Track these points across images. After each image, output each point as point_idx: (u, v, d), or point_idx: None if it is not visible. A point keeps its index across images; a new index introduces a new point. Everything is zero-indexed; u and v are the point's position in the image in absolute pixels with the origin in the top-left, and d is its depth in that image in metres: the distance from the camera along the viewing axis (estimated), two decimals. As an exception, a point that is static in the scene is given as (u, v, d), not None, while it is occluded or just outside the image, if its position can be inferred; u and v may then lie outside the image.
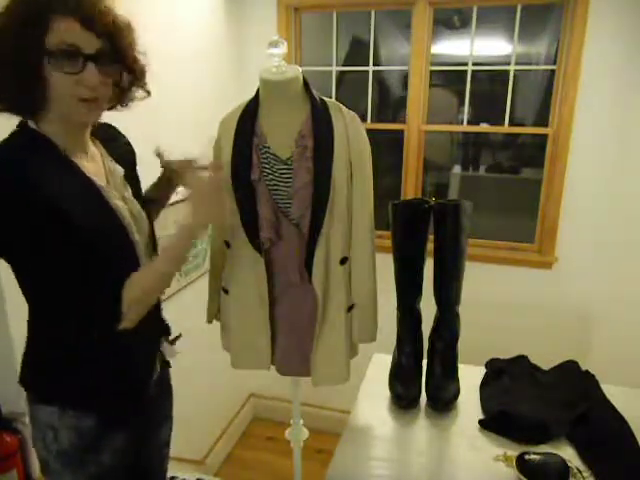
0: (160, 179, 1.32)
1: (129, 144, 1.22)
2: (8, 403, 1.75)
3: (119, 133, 1.21)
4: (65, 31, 0.88)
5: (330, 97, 1.36)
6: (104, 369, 1.07)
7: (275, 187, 1.30)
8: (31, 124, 0.96)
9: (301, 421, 1.68)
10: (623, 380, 1.57)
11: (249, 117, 1.31)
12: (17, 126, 0.97)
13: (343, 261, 1.35)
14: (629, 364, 2.39)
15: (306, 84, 1.31)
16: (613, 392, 1.44)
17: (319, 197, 1.26)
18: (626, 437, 1.27)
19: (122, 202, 1.06)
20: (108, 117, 1.11)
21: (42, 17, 0.86)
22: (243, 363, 1.44)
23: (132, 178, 1.15)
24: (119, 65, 0.98)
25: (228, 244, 1.38)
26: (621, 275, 2.39)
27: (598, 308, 2.44)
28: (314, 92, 1.31)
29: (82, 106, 0.93)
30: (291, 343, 1.41)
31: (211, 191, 1.04)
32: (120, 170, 1.10)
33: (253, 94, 1.33)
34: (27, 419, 1.74)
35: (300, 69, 1.31)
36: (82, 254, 0.97)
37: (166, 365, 1.28)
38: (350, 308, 1.40)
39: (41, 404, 1.08)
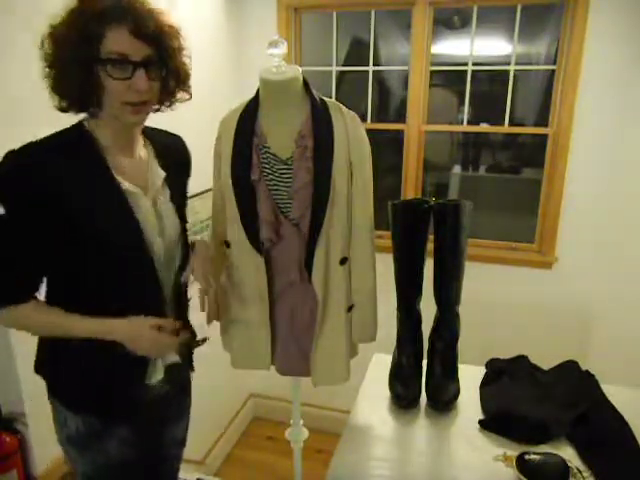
0: None
1: (186, 157, 1.31)
2: (8, 403, 1.75)
3: (182, 144, 1.30)
4: (116, 40, 0.94)
5: (330, 97, 1.36)
6: (92, 370, 1.11)
7: (275, 187, 1.30)
8: (85, 123, 1.05)
9: (301, 421, 1.68)
10: (623, 380, 1.57)
11: (249, 117, 1.31)
12: (75, 124, 1.06)
13: (343, 261, 1.35)
14: (629, 364, 2.39)
15: (306, 84, 1.31)
16: (613, 392, 1.44)
17: (319, 197, 1.26)
18: (626, 437, 1.27)
19: (151, 204, 1.11)
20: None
21: (97, 28, 0.93)
22: (243, 363, 1.44)
23: (177, 186, 1.21)
24: (166, 69, 1.04)
25: (228, 244, 1.38)
26: (621, 275, 2.39)
27: (598, 308, 2.44)
28: (314, 92, 1.31)
29: (129, 109, 1.00)
30: (291, 343, 1.41)
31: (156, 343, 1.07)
32: (161, 174, 1.16)
33: (253, 94, 1.33)
34: (27, 419, 1.75)
35: (300, 69, 1.31)
36: (93, 255, 1.03)
37: (178, 366, 1.26)
38: (350, 308, 1.40)
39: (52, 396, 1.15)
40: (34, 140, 1.00)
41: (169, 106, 1.15)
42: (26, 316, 1.04)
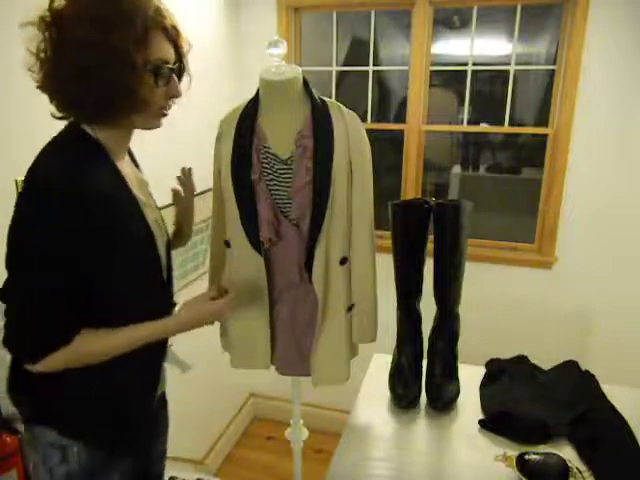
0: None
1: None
2: (8, 403, 1.75)
3: None
4: (159, 45, 0.91)
5: (330, 97, 1.36)
6: (106, 387, 1.02)
7: (275, 187, 1.30)
8: (87, 128, 0.94)
9: (301, 421, 1.68)
10: (623, 380, 1.57)
11: (249, 117, 1.31)
12: (67, 126, 0.96)
13: (343, 261, 1.35)
14: (629, 364, 2.39)
15: (306, 84, 1.31)
16: (613, 392, 1.44)
17: (319, 197, 1.26)
18: (626, 437, 1.27)
19: (159, 214, 1.10)
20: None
21: (143, 32, 0.87)
22: (243, 363, 1.44)
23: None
24: (179, 73, 1.01)
25: (228, 244, 1.38)
26: (621, 275, 2.39)
27: (598, 308, 2.44)
28: (314, 92, 1.31)
29: (159, 115, 0.99)
30: (291, 343, 1.41)
31: (220, 312, 1.09)
32: (146, 180, 1.13)
33: (253, 94, 1.33)
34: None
35: (300, 69, 1.31)
36: (117, 269, 0.97)
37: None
38: (350, 308, 1.40)
39: (42, 425, 1.02)
40: (48, 152, 0.91)
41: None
42: (79, 350, 0.93)
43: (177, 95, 0.97)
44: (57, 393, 1.00)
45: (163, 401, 1.29)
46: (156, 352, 1.11)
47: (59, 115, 0.94)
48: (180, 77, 1.01)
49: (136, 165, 1.16)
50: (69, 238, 0.87)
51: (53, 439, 1.00)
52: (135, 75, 0.88)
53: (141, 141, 1.16)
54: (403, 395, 1.42)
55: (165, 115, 1.01)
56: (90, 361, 0.95)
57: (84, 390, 1.00)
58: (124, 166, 1.03)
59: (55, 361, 0.91)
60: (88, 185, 0.88)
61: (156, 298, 1.09)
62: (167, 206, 1.35)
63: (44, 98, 0.92)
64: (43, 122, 0.96)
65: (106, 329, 0.96)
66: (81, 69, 0.85)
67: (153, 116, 0.98)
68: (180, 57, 1.00)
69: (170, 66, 0.95)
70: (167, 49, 0.94)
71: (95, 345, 0.95)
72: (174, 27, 0.95)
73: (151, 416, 1.19)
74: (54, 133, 0.95)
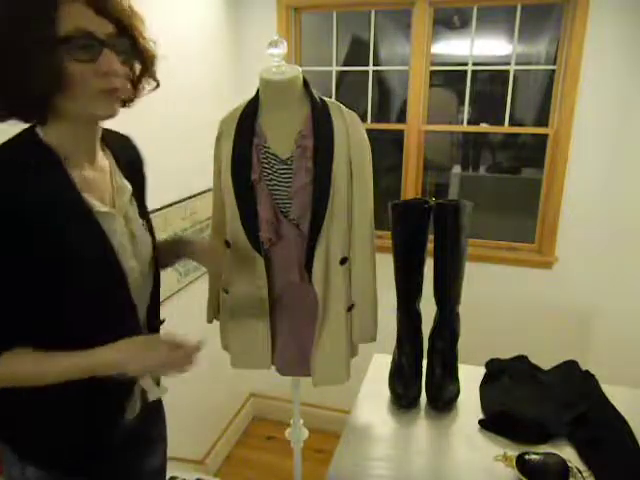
0: (169, 245, 1.24)
1: (141, 161, 1.14)
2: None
3: (133, 147, 1.13)
4: (77, 17, 0.79)
5: (330, 97, 1.36)
6: (69, 413, 0.97)
7: (275, 187, 1.30)
8: (39, 132, 0.88)
9: (301, 421, 1.68)
10: (623, 380, 1.57)
11: (249, 117, 1.31)
12: (21, 131, 0.89)
13: (343, 261, 1.35)
14: (629, 364, 2.39)
15: (306, 84, 1.31)
16: (613, 392, 1.44)
17: (319, 197, 1.26)
18: (626, 437, 1.27)
19: (123, 222, 0.97)
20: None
21: (50, 4, 0.78)
22: (243, 363, 1.44)
23: (139, 198, 1.06)
24: (131, 51, 0.89)
25: (228, 244, 1.38)
26: (621, 275, 2.39)
27: (598, 308, 2.44)
28: (314, 92, 1.31)
29: (103, 98, 0.84)
30: (291, 343, 1.41)
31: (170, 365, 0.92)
32: (128, 187, 1.02)
33: (253, 94, 1.33)
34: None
35: (300, 69, 1.31)
36: (67, 288, 0.89)
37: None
38: (350, 308, 1.40)
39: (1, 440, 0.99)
40: None
41: (135, 98, 0.99)
42: (5, 369, 0.87)
43: (108, 71, 0.82)
44: (7, 411, 0.97)
45: (152, 418, 1.20)
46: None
47: None
48: (123, 53, 0.87)
49: (135, 178, 1.06)
50: None
51: (9, 455, 0.98)
52: (44, 52, 0.77)
53: (141, 141, 1.17)
54: (403, 395, 1.42)
55: (115, 98, 0.87)
56: (19, 383, 0.89)
57: (33, 412, 0.96)
58: (88, 171, 0.93)
59: None
60: (17, 198, 0.81)
61: (118, 320, 0.97)
62: (158, 209, 1.34)
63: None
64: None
65: (40, 353, 0.87)
66: None
67: (90, 99, 0.83)
68: (127, 32, 0.87)
69: (98, 37, 0.81)
70: (90, 19, 0.80)
71: (22, 367, 0.87)
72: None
73: (131, 437, 1.09)
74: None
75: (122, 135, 1.11)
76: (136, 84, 0.96)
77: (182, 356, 0.90)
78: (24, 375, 0.88)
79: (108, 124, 1.02)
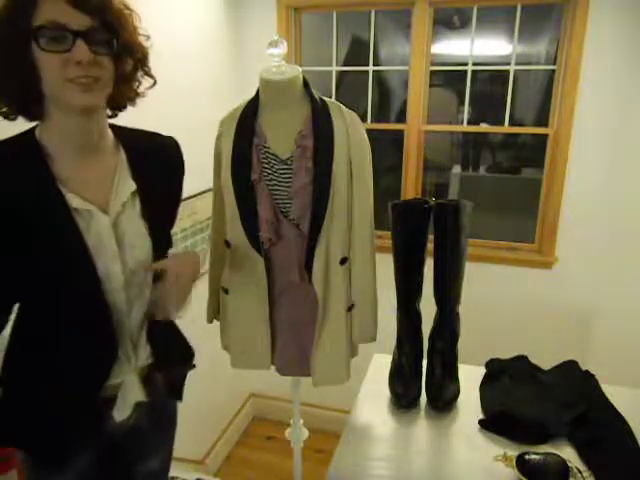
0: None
1: (173, 165, 1.13)
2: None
3: (167, 149, 1.12)
4: (51, 10, 0.82)
5: (330, 97, 1.36)
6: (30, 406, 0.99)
7: (275, 187, 1.30)
8: (36, 131, 0.92)
9: (301, 421, 1.68)
10: (623, 380, 1.57)
11: (249, 117, 1.31)
12: (21, 132, 0.94)
13: (343, 261, 1.35)
14: (629, 364, 2.39)
15: (306, 84, 1.31)
16: (613, 392, 1.44)
17: (319, 197, 1.26)
18: (626, 437, 1.27)
19: (110, 224, 0.96)
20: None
21: (29, 1, 0.83)
22: (243, 363, 1.44)
23: (156, 196, 1.04)
24: (117, 44, 0.90)
25: (228, 244, 1.38)
26: (621, 275, 2.39)
27: (598, 308, 2.44)
28: (314, 92, 1.31)
29: (72, 88, 0.85)
30: (291, 343, 1.41)
31: None
32: (129, 186, 1.00)
33: (253, 94, 1.33)
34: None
35: (300, 69, 1.31)
36: (32, 281, 0.92)
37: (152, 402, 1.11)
38: (350, 308, 1.40)
39: None
40: None
41: (129, 95, 1.00)
42: None
43: (80, 61, 0.83)
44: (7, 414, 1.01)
45: (160, 423, 1.20)
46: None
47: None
48: (101, 45, 0.87)
49: (144, 174, 1.03)
50: None
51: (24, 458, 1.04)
52: (15, 45, 0.83)
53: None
54: (403, 395, 1.42)
55: (91, 88, 0.87)
56: None
57: (12, 398, 1.00)
58: (82, 169, 0.95)
59: None
60: None
61: (88, 321, 0.96)
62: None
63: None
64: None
65: None
66: None
67: (64, 87, 0.85)
68: (111, 26, 0.88)
69: (72, 29, 0.83)
70: (66, 12, 0.83)
71: None
72: None
73: (128, 438, 1.09)
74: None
75: (155, 135, 1.11)
76: (129, 79, 0.97)
77: None
78: None
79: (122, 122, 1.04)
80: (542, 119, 2.52)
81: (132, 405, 1.05)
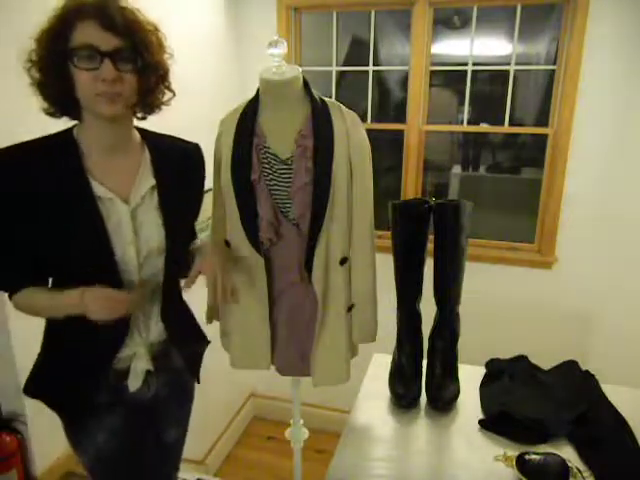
0: None
1: (192, 168, 1.24)
2: (8, 403, 1.76)
3: (191, 152, 1.26)
4: (83, 33, 0.97)
5: (330, 97, 1.36)
6: (55, 365, 1.17)
7: (275, 187, 1.30)
8: (74, 129, 1.08)
9: (301, 421, 1.68)
10: (623, 380, 1.57)
11: (249, 117, 1.31)
12: (64, 129, 1.09)
13: (343, 261, 1.35)
14: (629, 364, 2.39)
15: (306, 84, 1.31)
16: (613, 392, 1.44)
17: (319, 197, 1.26)
18: (626, 437, 1.27)
19: (129, 212, 1.09)
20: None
21: (68, 24, 0.98)
22: (243, 363, 1.44)
23: (173, 193, 1.17)
24: (142, 62, 1.02)
25: (228, 244, 1.38)
26: (621, 275, 2.39)
27: (598, 308, 2.45)
28: (314, 92, 1.31)
29: (100, 100, 0.99)
30: (291, 343, 1.41)
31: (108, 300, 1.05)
32: (149, 181, 1.13)
33: (253, 94, 1.33)
34: (27, 419, 1.74)
35: (300, 69, 1.31)
36: (58, 255, 1.06)
37: (175, 372, 1.29)
38: (350, 308, 1.40)
39: None
40: (20, 142, 1.04)
41: (153, 105, 1.13)
42: (26, 301, 1.10)
43: (105, 78, 0.97)
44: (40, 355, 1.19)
45: (171, 393, 1.30)
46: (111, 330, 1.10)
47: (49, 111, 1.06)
48: (126, 63, 1.00)
49: (163, 173, 1.15)
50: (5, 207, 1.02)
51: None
52: (57, 62, 0.98)
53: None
54: (403, 395, 1.42)
55: (114, 101, 1.00)
56: (32, 313, 1.12)
57: (44, 354, 1.18)
58: (110, 163, 1.08)
59: (15, 302, 1.11)
60: (17, 162, 1.01)
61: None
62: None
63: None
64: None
65: (41, 289, 1.10)
66: (30, 62, 1.01)
67: (94, 99, 1.00)
68: (137, 46, 1.01)
69: (101, 50, 0.96)
70: (96, 35, 0.97)
71: (30, 300, 1.10)
72: (114, 15, 0.98)
73: (142, 407, 1.22)
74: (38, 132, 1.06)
75: (179, 140, 1.25)
76: (152, 92, 1.09)
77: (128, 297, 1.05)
78: (32, 304, 1.10)
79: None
80: (542, 119, 2.52)
81: (142, 374, 1.18)
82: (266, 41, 1.28)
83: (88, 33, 0.97)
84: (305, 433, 1.70)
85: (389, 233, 1.47)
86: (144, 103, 1.10)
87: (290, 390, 1.66)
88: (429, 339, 1.48)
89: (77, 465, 1.95)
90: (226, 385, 2.69)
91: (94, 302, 1.02)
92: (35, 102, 1.05)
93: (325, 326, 1.37)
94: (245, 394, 3.03)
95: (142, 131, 1.18)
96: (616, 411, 1.36)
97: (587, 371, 1.54)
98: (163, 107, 1.15)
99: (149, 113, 1.14)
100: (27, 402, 1.71)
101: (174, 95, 1.15)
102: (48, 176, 1.03)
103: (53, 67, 0.99)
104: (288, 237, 1.32)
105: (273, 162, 1.29)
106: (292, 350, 1.41)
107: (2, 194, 1.01)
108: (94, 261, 1.07)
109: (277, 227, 1.30)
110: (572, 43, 2.21)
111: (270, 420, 3.00)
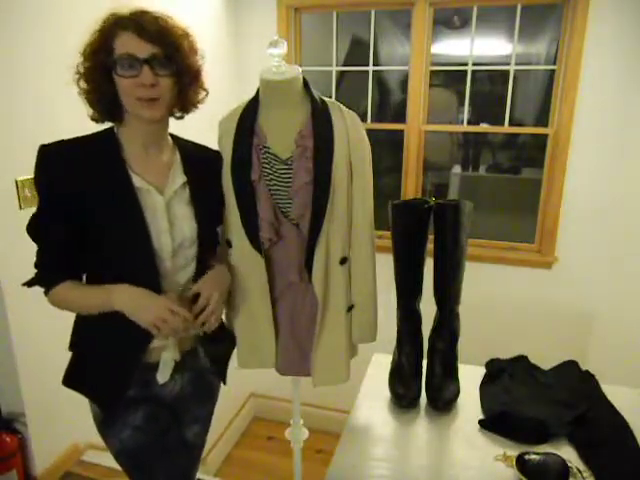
0: None
1: (214, 170, 1.31)
2: (8, 403, 1.76)
3: (213, 158, 1.32)
4: (125, 42, 1.06)
5: (330, 97, 1.36)
6: (87, 357, 1.21)
7: (275, 187, 1.30)
8: (115, 128, 1.17)
9: (301, 421, 1.68)
10: (623, 380, 1.57)
11: (249, 117, 1.31)
12: (106, 128, 1.18)
13: (343, 261, 1.35)
14: (629, 364, 2.39)
15: (306, 84, 1.31)
16: (613, 392, 1.44)
17: (319, 197, 1.26)
18: (626, 437, 1.27)
19: (164, 204, 1.16)
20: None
21: (109, 37, 1.07)
22: (251, 363, 1.44)
23: (201, 192, 1.24)
24: (177, 67, 1.11)
25: (229, 243, 1.38)
26: (621, 275, 2.39)
27: (598, 308, 2.45)
28: (314, 92, 1.31)
29: (140, 104, 1.08)
30: (291, 343, 1.41)
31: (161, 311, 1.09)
32: (181, 178, 1.21)
33: (253, 94, 1.33)
34: (27, 419, 1.74)
35: (300, 69, 1.31)
36: (100, 243, 1.13)
37: (202, 370, 1.32)
38: (350, 308, 1.40)
39: None
40: (67, 139, 1.12)
41: (189, 104, 1.21)
42: (61, 297, 1.14)
43: (144, 83, 1.06)
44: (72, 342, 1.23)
45: (196, 390, 1.33)
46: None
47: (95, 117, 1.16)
48: (162, 68, 1.08)
49: (191, 173, 1.22)
50: (47, 195, 1.10)
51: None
52: (104, 73, 1.08)
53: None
54: (403, 395, 1.42)
55: (153, 105, 1.09)
56: (68, 308, 1.16)
57: (77, 343, 1.22)
58: (148, 160, 1.17)
59: (51, 298, 1.15)
60: (63, 156, 1.10)
61: (139, 276, 1.15)
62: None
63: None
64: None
65: (79, 283, 1.16)
66: (79, 73, 1.11)
67: (135, 104, 1.09)
68: (171, 52, 1.09)
69: (139, 57, 1.05)
70: (134, 44, 1.05)
71: (66, 295, 1.14)
72: (149, 25, 1.07)
73: (164, 404, 1.25)
74: (57, 135, 1.13)
75: (203, 147, 1.32)
76: (187, 92, 1.17)
77: (176, 320, 1.08)
78: (67, 299, 1.15)
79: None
80: (542, 119, 2.52)
81: (171, 364, 1.21)
82: (266, 41, 1.28)
83: (127, 43, 1.06)
84: (305, 433, 1.70)
85: (389, 233, 1.47)
86: (181, 103, 1.18)
87: (290, 390, 1.66)
88: (429, 339, 1.48)
89: (77, 465, 1.95)
90: (226, 385, 2.70)
91: (148, 310, 1.08)
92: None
93: (325, 326, 1.37)
94: (245, 394, 3.03)
95: (172, 136, 1.27)
96: (616, 411, 1.36)
97: (587, 371, 1.54)
98: (199, 105, 1.23)
99: (186, 112, 1.22)
100: (27, 402, 1.71)
101: (207, 94, 1.23)
102: (93, 171, 1.11)
103: (99, 77, 1.08)
104: (288, 237, 1.32)
105: (273, 162, 1.30)
106: (292, 350, 1.41)
107: (51, 194, 1.09)
108: (133, 247, 1.14)
109: (277, 227, 1.30)
110: (572, 43, 2.21)
111: (270, 420, 3.00)
